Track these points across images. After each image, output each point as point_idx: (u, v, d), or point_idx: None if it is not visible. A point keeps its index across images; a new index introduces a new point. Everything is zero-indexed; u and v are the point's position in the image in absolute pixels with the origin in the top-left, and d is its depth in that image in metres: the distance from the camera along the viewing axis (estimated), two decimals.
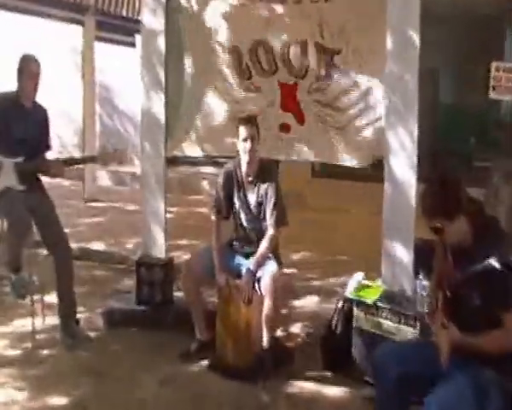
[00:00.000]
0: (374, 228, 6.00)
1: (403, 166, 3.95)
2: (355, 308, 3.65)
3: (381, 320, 3.55)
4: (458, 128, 7.60)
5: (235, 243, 3.90)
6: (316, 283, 5.17)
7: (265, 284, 3.55)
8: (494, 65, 5.03)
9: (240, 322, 3.68)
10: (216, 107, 4.43)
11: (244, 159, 3.70)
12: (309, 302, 4.78)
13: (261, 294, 3.59)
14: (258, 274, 3.63)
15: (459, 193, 2.39)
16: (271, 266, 3.64)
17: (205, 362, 3.78)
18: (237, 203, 3.80)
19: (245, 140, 3.66)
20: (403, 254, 4.02)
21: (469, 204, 2.42)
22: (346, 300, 3.74)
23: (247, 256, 3.81)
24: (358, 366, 3.65)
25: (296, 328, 4.30)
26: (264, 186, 3.72)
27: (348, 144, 4.33)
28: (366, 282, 3.83)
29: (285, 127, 4.45)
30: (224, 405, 3.39)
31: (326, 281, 5.24)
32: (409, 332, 3.43)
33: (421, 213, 2.44)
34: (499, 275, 2.30)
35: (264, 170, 3.75)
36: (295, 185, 6.14)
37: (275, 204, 3.68)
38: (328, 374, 3.73)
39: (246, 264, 3.74)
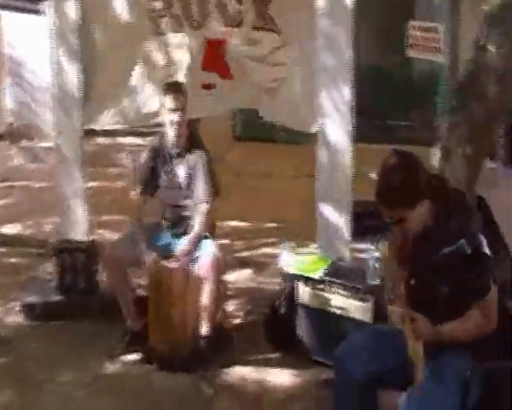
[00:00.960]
0: (299, 192, 5.84)
1: (337, 129, 3.80)
2: (300, 284, 3.38)
3: (330, 296, 3.30)
4: (378, 88, 7.56)
5: (163, 222, 3.51)
6: (245, 254, 4.86)
7: (206, 268, 3.21)
8: (411, 24, 4.99)
9: (174, 308, 3.28)
10: (135, 74, 4.06)
11: (172, 131, 3.34)
12: (242, 277, 4.47)
13: (199, 277, 3.24)
14: (195, 255, 3.27)
15: (420, 177, 2.08)
16: (210, 247, 3.31)
17: (138, 355, 3.38)
18: (165, 179, 3.44)
19: (173, 111, 3.28)
20: (339, 220, 3.89)
21: (432, 183, 2.14)
22: (290, 275, 3.46)
23: (177, 236, 3.44)
24: (304, 345, 3.41)
25: (232, 306, 3.98)
26: (193, 157, 3.38)
27: (279, 103, 4.13)
28: (305, 254, 3.57)
29: (208, 86, 4.19)
30: (163, 401, 3.04)
31: (256, 251, 4.95)
32: (360, 307, 3.21)
33: (378, 203, 2.12)
34: (469, 259, 2.06)
35: (193, 140, 3.43)
36: (216, 150, 5.83)
37: (206, 175, 3.36)
38: (273, 356, 3.46)
39: (178, 244, 3.37)
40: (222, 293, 3.35)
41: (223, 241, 4.95)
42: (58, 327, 3.72)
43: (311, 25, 3.86)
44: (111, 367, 3.31)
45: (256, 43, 4.09)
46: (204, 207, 3.35)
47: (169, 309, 3.28)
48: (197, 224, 3.33)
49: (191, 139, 3.42)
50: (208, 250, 3.27)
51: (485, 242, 2.08)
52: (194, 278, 3.26)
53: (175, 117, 3.28)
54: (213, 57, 4.20)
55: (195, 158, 3.37)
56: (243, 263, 4.65)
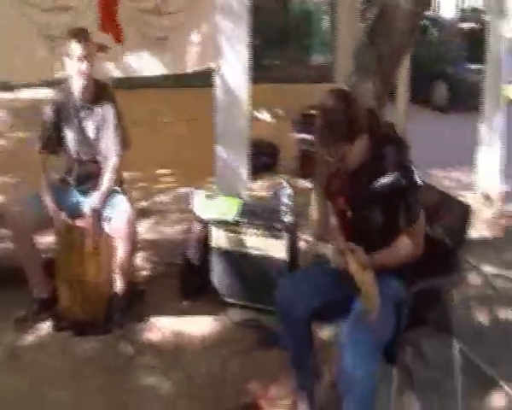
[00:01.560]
0: (185, 136, 5.69)
1: (235, 70, 3.78)
2: (213, 229, 3.32)
3: (245, 237, 3.27)
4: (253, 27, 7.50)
5: (69, 179, 3.22)
6: (143, 204, 4.66)
7: (120, 227, 3.02)
8: None
9: (86, 269, 3.06)
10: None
11: (78, 82, 3.06)
12: (143, 228, 4.29)
13: (111, 236, 3.06)
14: (106, 213, 3.07)
15: (358, 112, 2.09)
16: (123, 204, 3.11)
17: (49, 323, 3.14)
18: (71, 134, 3.15)
19: (80, 59, 2.98)
20: (237, 160, 3.90)
21: (367, 117, 2.16)
22: (201, 221, 3.37)
23: (85, 193, 3.19)
24: (218, 289, 3.38)
25: (138, 259, 3.82)
26: (101, 109, 3.12)
27: (172, 53, 4.07)
28: (216, 198, 3.50)
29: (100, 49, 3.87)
30: (83, 368, 2.86)
31: (154, 200, 4.78)
32: (276, 245, 3.22)
33: (318, 144, 2.12)
34: (403, 190, 2.12)
35: (101, 91, 3.14)
36: None
37: (116, 127, 3.12)
38: (187, 306, 3.39)
39: (87, 202, 3.13)
40: (135, 248, 3.19)
41: None
42: None
43: None
44: (21, 341, 3.04)
45: None
46: (115, 161, 3.14)
47: (81, 271, 3.06)
48: (107, 179, 3.11)
49: (99, 91, 3.14)
50: (122, 207, 3.08)
51: (416, 172, 2.14)
52: (106, 235, 3.07)
53: (82, 66, 2.99)
54: (108, 16, 3.98)
55: (104, 111, 3.12)
56: (142, 213, 4.47)
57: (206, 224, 3.35)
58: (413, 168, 2.14)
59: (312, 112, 5.21)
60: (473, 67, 10.04)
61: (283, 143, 5.80)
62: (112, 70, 4.07)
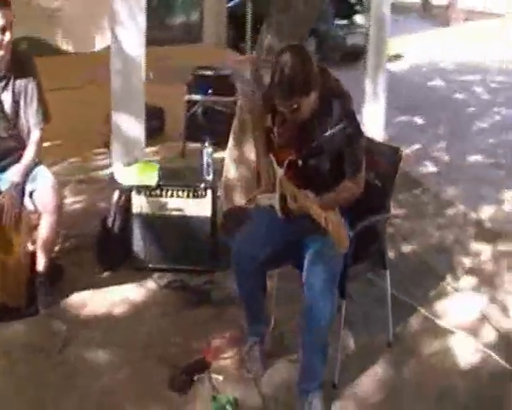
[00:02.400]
0: (70, 104, 5.41)
1: (131, 36, 3.70)
2: (135, 195, 3.22)
3: (167, 199, 3.23)
4: None
5: None
6: None
7: (46, 200, 2.82)
8: None
9: (7, 251, 2.84)
10: None
11: None
12: None
13: (31, 211, 2.86)
14: (28, 187, 2.86)
15: (313, 66, 2.18)
16: (46, 177, 2.91)
17: None
18: None
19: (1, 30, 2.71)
20: (135, 126, 3.86)
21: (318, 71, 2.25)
22: (121, 188, 3.26)
23: (3, 170, 2.94)
24: (139, 256, 3.31)
25: None
26: (21, 82, 2.86)
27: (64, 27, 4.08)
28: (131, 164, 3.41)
29: None
30: (12, 353, 2.67)
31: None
32: (201, 204, 3.22)
33: (278, 98, 2.18)
34: (349, 138, 2.26)
35: (20, 62, 2.87)
36: None
37: (38, 101, 2.90)
38: (108, 276, 3.29)
39: (6, 178, 2.89)
40: (61, 221, 2.99)
41: None
42: None
43: None
44: None
45: None
46: (38, 134, 2.93)
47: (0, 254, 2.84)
48: (30, 153, 2.90)
49: (17, 62, 2.86)
50: (46, 179, 2.89)
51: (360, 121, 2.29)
52: (28, 213, 2.86)
53: (5, 37, 2.73)
54: None
55: (23, 83, 2.86)
56: None
57: (126, 191, 3.23)
58: (358, 117, 2.28)
59: (206, 73, 5.22)
60: (340, 22, 10.56)
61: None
62: None
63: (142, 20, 3.66)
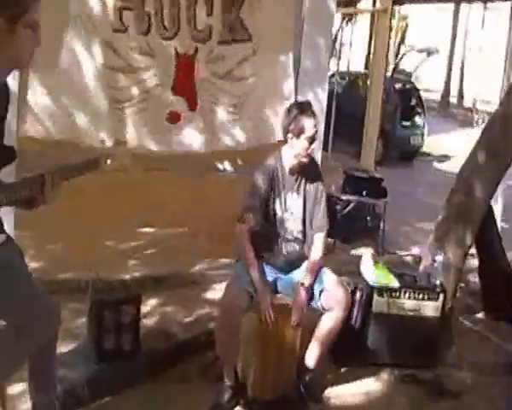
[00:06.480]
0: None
1: None
2: (376, 295, 3.55)
3: (405, 301, 3.57)
4: None
5: (268, 255, 3.14)
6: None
7: (338, 297, 3.04)
8: None
9: (284, 348, 3.11)
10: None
11: (295, 159, 3.09)
12: None
13: (322, 309, 3.07)
14: (314, 289, 3.09)
15: None
16: (330, 274, 3.16)
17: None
18: (278, 207, 3.12)
19: (310, 140, 3.03)
20: None
21: None
22: (364, 288, 3.57)
23: (284, 270, 3.18)
24: (373, 351, 3.60)
25: None
26: (312, 186, 3.17)
27: (245, 124, 4.11)
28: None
29: (173, 117, 3.92)
30: None
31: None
32: (433, 306, 3.57)
33: None
34: None
35: (311, 167, 3.18)
36: None
37: (325, 206, 3.20)
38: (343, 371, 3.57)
39: (290, 279, 3.16)
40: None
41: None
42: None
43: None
44: None
45: (221, 58, 3.98)
46: (322, 235, 3.18)
47: (278, 352, 3.11)
48: (317, 254, 3.13)
49: (309, 166, 3.15)
50: (332, 278, 3.12)
51: None
52: (309, 311, 3.10)
53: (312, 147, 3.09)
54: (187, 76, 3.91)
55: (315, 188, 3.18)
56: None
57: (367, 288, 3.55)
58: None
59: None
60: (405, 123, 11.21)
61: None
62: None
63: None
